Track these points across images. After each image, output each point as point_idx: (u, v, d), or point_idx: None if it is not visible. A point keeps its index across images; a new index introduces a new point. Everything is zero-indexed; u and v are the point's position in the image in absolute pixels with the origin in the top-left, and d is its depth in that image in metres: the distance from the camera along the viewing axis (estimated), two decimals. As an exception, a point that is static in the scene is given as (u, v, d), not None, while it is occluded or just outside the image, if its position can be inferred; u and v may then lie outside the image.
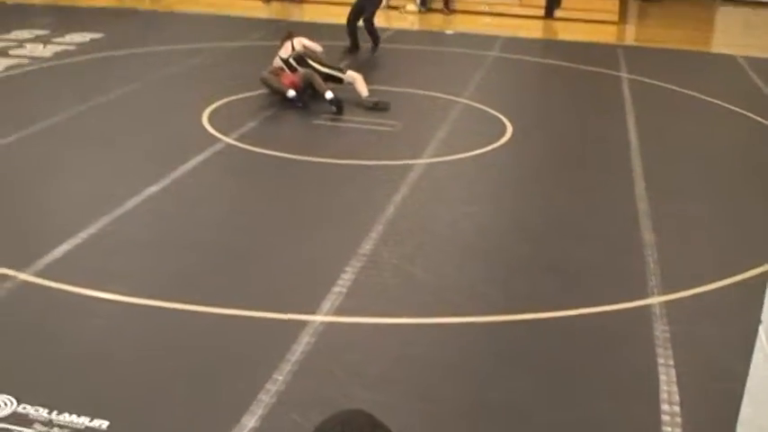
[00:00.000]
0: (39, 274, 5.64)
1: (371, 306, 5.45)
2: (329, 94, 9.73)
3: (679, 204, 7.53)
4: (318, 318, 5.22)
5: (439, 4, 18.04)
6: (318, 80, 9.95)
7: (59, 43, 13.27)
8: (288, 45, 10.51)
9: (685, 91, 11.62)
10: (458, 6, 18.15)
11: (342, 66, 10.84)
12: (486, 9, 18.02)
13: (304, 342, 4.94)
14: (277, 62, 10.45)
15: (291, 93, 9.84)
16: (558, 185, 7.97)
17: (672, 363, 4.92)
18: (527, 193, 7.81)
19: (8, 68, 11.52)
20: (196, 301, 5.36)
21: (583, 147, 9.22)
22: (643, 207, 7.29)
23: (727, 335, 5.34)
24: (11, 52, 12.49)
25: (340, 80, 10.34)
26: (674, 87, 11.81)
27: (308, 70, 10.07)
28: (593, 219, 7.20)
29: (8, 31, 13.98)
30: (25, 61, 11.98)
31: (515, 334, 5.31)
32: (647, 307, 5.58)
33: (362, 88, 10.17)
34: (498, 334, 5.31)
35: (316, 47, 10.79)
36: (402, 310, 5.42)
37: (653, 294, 5.74)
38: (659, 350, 5.05)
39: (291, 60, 10.25)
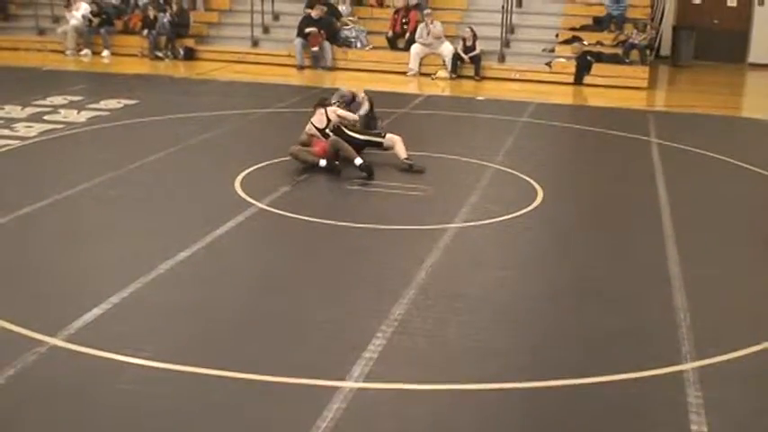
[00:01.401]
0: (69, 339, 5.65)
1: (403, 372, 5.41)
2: (358, 161, 9.81)
3: (711, 268, 7.46)
4: (349, 384, 5.19)
5: (469, 71, 18.19)
6: (346, 146, 10.02)
7: (94, 109, 13.49)
8: (322, 114, 10.55)
9: (715, 155, 11.58)
10: (488, 73, 18.29)
11: (380, 131, 10.88)
12: (517, 76, 18.15)
13: (334, 408, 4.90)
14: (310, 129, 10.52)
15: (323, 162, 9.92)
16: (589, 250, 7.94)
17: (705, 429, 4.83)
18: (559, 258, 7.77)
19: (43, 133, 11.71)
20: (226, 366, 5.35)
21: (613, 211, 9.20)
22: (675, 271, 7.22)
23: (761, 401, 5.26)
24: (45, 117, 12.72)
25: (380, 144, 10.45)
26: (703, 152, 11.78)
27: (336, 138, 10.13)
28: (625, 283, 7.14)
29: (43, 96, 14.25)
30: (59, 126, 12.18)
31: (548, 400, 5.23)
32: (680, 373, 5.50)
33: (401, 150, 10.26)
34: (531, 400, 5.24)
35: (350, 116, 10.82)
36: (433, 376, 5.37)
37: (686, 360, 5.65)
38: (692, 416, 4.97)
39: (328, 131, 10.32)
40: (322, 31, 18.83)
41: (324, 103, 10.71)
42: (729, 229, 8.62)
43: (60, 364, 5.41)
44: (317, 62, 18.91)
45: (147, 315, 6.18)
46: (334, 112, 10.58)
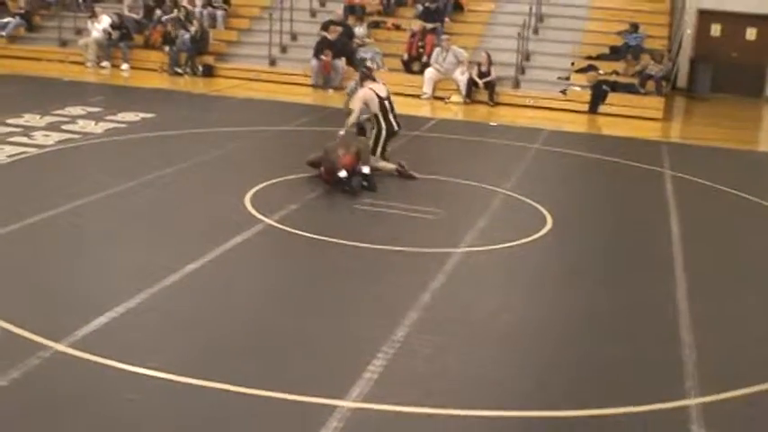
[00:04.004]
0: (74, 346, 5.69)
1: (402, 394, 5.41)
2: (367, 169, 10.05)
3: (720, 304, 7.43)
4: (347, 403, 5.19)
5: (484, 96, 18.24)
6: (368, 157, 10.19)
7: (111, 121, 13.58)
8: (380, 84, 10.74)
9: (729, 189, 11.55)
10: (502, 99, 18.33)
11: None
12: (531, 102, 18.18)
13: (332, 427, 4.90)
14: (371, 97, 10.60)
15: (343, 173, 9.90)
16: (597, 280, 7.92)
17: (707, 465, 4.82)
18: (565, 287, 7.76)
19: (59, 142, 11.81)
20: (227, 380, 5.36)
21: (623, 242, 9.18)
22: (683, 306, 7.19)
23: (764, 439, 5.24)
24: (63, 127, 12.82)
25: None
26: (718, 185, 11.75)
27: (366, 143, 10.27)
28: (631, 316, 7.12)
29: (62, 106, 14.37)
30: (77, 136, 12.28)
31: (549, 430, 5.22)
32: (684, 408, 5.47)
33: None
34: (531, 430, 5.23)
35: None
36: (433, 400, 5.36)
37: (690, 396, 5.62)
38: (695, 452, 4.96)
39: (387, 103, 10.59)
40: (327, 53, 18.88)
41: (372, 75, 10.97)
42: (741, 266, 8.59)
43: (63, 370, 5.45)
44: (324, 83, 18.98)
45: (152, 326, 6.21)
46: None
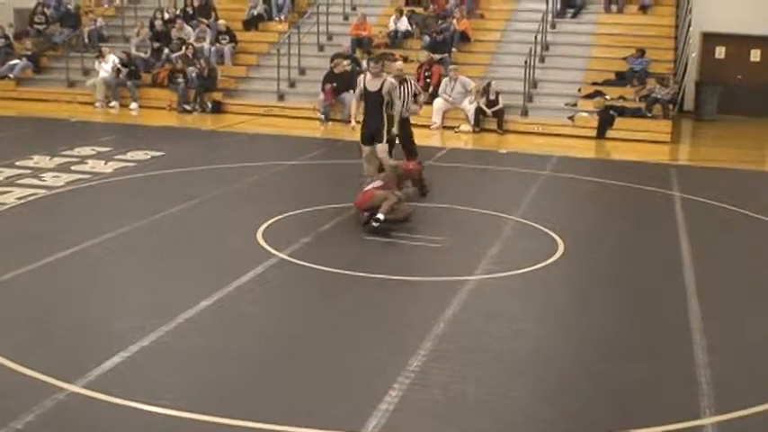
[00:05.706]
0: (88, 386, 5.68)
1: (419, 424, 5.40)
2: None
3: (733, 323, 7.42)
4: (364, 435, 5.19)
5: (492, 125, 18.29)
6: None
7: (120, 160, 13.66)
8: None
9: (739, 210, 11.55)
10: (511, 127, 18.39)
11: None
12: (539, 129, 18.24)
13: (350, 459, 4.90)
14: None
15: (381, 216, 9.68)
16: (609, 303, 7.91)
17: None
18: (578, 311, 7.75)
19: (69, 183, 11.87)
20: (243, 416, 5.35)
21: (635, 265, 9.17)
22: (696, 326, 7.18)
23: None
24: (73, 168, 12.89)
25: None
26: (727, 206, 11.75)
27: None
28: (644, 337, 7.10)
29: (72, 147, 14.46)
30: (86, 177, 12.34)
31: (565, 455, 5.21)
32: (700, 428, 5.46)
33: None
34: (547, 454, 5.22)
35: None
36: (450, 429, 5.35)
37: (705, 415, 5.61)
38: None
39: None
40: (333, 86, 19.02)
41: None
42: (752, 285, 8.57)
43: (78, 411, 5.44)
44: (327, 115, 19.08)
45: (166, 363, 6.21)
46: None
